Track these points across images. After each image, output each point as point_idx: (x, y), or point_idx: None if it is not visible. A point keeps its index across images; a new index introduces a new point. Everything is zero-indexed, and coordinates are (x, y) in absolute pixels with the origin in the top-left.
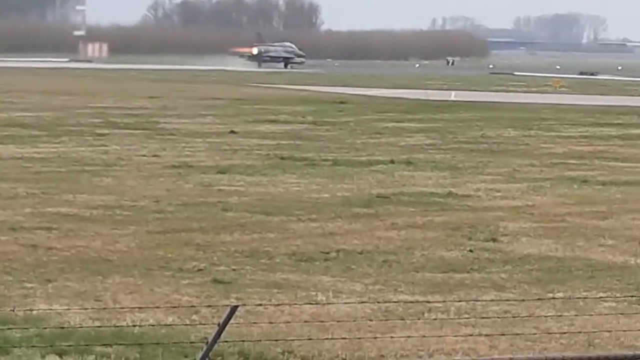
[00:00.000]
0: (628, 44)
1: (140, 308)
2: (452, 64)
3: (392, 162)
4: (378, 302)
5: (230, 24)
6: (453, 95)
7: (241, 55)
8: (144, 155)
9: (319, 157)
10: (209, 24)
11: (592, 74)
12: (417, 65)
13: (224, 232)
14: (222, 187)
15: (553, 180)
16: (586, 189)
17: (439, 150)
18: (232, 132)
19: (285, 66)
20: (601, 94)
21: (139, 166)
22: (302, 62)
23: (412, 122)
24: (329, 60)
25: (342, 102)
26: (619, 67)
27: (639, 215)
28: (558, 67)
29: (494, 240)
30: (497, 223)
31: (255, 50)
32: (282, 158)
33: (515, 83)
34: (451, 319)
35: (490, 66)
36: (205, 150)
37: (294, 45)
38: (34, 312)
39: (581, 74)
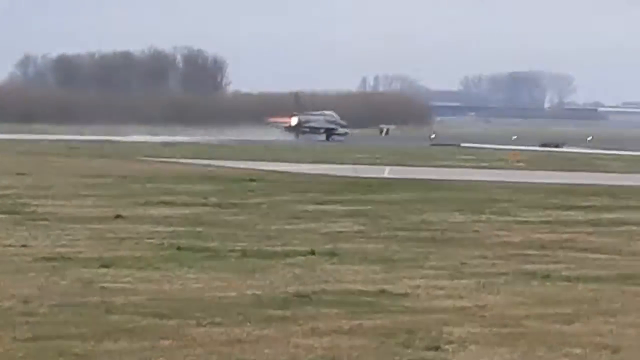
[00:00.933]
0: (600, 109)
1: None
2: (387, 133)
3: (312, 253)
4: None
5: (117, 83)
6: (387, 172)
7: (277, 126)
8: (10, 245)
9: (224, 247)
10: (90, 83)
11: (556, 146)
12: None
13: (107, 340)
14: (105, 284)
15: (508, 275)
16: (548, 286)
17: (369, 239)
18: (118, 216)
19: (327, 138)
20: (567, 170)
21: (4, 258)
22: (346, 133)
23: (337, 204)
24: (235, 128)
25: (252, 180)
26: (589, 138)
27: (612, 319)
28: (515, 137)
29: (437, 348)
30: (440, 328)
31: (294, 121)
32: (179, 248)
33: (463, 156)
34: None
35: (433, 136)
36: (86, 239)
37: (335, 114)
38: None
39: (543, 145)
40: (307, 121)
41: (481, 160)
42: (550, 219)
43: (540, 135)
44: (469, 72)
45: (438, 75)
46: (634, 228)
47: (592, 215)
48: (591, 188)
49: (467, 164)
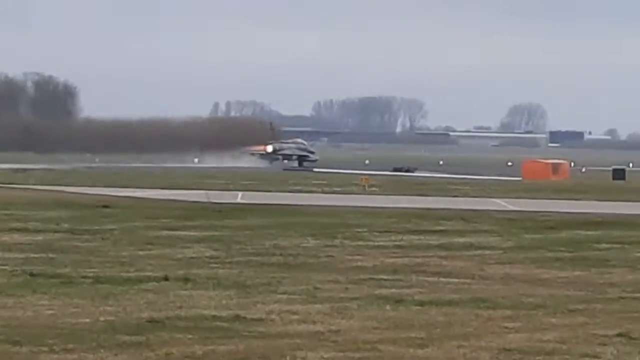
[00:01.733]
0: (451, 133)
1: None
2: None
3: (165, 278)
4: None
5: None
6: (240, 197)
7: (253, 153)
8: None
9: (76, 273)
10: None
11: (408, 170)
12: (197, 159)
13: None
14: None
15: (361, 299)
16: (401, 310)
17: (223, 264)
18: None
19: (300, 164)
20: (419, 195)
21: None
22: (316, 160)
23: (190, 230)
24: (88, 154)
25: (105, 206)
26: (441, 162)
27: (465, 342)
28: (367, 161)
29: None
30: (293, 353)
31: (269, 148)
32: (31, 275)
33: (316, 181)
34: None
35: (286, 161)
36: None
37: (305, 142)
38: None
39: (395, 170)
40: (281, 149)
41: (334, 185)
42: (403, 243)
43: (393, 159)
44: (321, 97)
45: (290, 101)
46: (486, 252)
47: (444, 240)
48: (443, 212)
49: (320, 189)
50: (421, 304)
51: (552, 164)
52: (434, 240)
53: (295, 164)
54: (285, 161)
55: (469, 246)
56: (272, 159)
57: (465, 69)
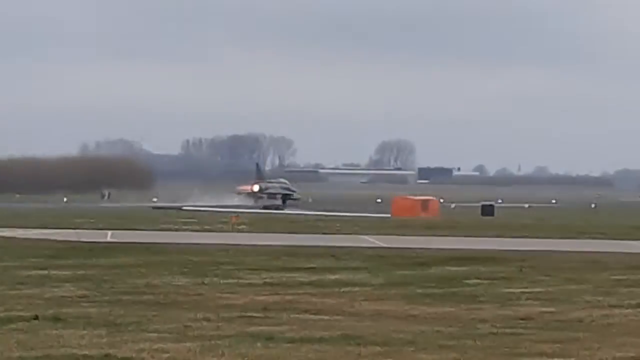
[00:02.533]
0: (320, 170)
1: None
2: (108, 197)
3: (35, 318)
4: None
5: None
6: (109, 236)
7: (240, 192)
8: None
9: None
10: None
11: (277, 208)
12: (65, 199)
13: None
14: None
15: (232, 337)
16: (272, 347)
17: (93, 303)
18: None
19: (283, 202)
20: (289, 232)
21: None
22: (298, 199)
23: (60, 269)
24: None
25: None
26: (310, 199)
27: None
28: (236, 198)
29: None
30: None
31: (256, 188)
32: None
33: (186, 220)
34: None
35: (155, 199)
36: None
37: (287, 181)
38: None
39: (265, 208)
40: (267, 188)
41: (203, 223)
42: (273, 280)
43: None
44: (190, 136)
45: (161, 140)
46: (356, 289)
47: (314, 277)
48: (313, 249)
49: (190, 227)
50: (292, 341)
51: (422, 200)
52: (304, 277)
53: (279, 202)
54: (270, 200)
55: (340, 283)
56: (257, 198)
57: (335, 107)
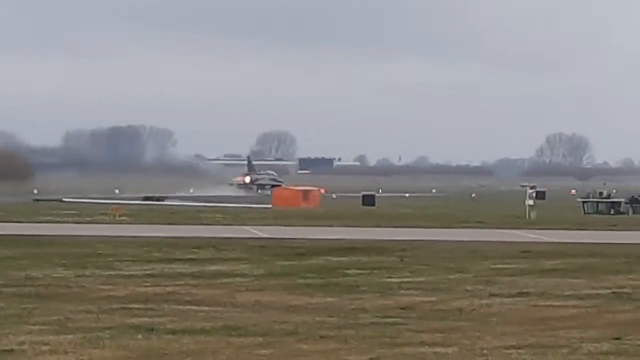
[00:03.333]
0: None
1: None
2: None
3: None
4: None
5: None
6: None
7: (232, 183)
8: None
9: None
10: None
11: (159, 199)
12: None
13: None
14: None
15: (113, 329)
16: (153, 339)
17: None
18: None
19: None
20: (170, 223)
21: None
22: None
23: None
24: None
25: None
26: (191, 190)
27: None
28: (117, 190)
29: None
30: None
31: (247, 179)
32: None
33: (66, 212)
34: None
35: (35, 191)
36: None
37: (275, 173)
38: None
39: (146, 198)
40: (257, 179)
41: (84, 215)
42: (154, 272)
43: (143, 188)
44: (70, 127)
45: (40, 131)
46: (237, 280)
47: (195, 268)
48: (194, 241)
49: (70, 219)
50: (173, 332)
51: (302, 190)
52: (185, 268)
53: (269, 192)
54: (259, 190)
55: (220, 274)
56: (248, 189)
57: (216, 97)
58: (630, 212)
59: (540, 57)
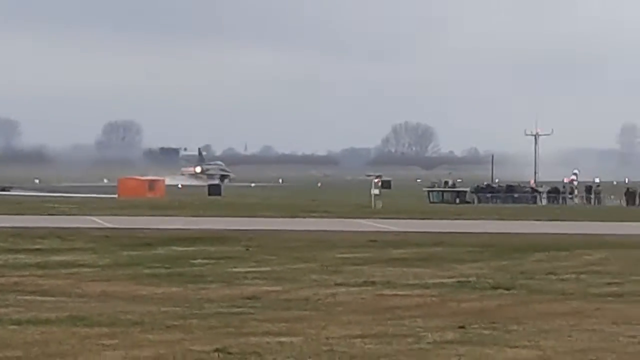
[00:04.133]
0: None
1: None
2: None
3: None
4: None
5: None
6: None
7: (183, 173)
8: None
9: None
10: None
11: (4, 189)
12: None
13: None
14: None
15: None
16: None
17: None
18: None
19: (222, 181)
20: (16, 214)
21: None
22: (234, 178)
23: None
24: None
25: None
26: (37, 180)
27: None
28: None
29: None
30: None
31: (198, 169)
32: None
33: None
34: None
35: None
36: None
37: (223, 163)
38: None
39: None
40: (207, 170)
41: None
42: None
43: None
44: None
45: None
46: (83, 270)
47: (40, 258)
48: (39, 231)
49: None
50: (18, 322)
51: (148, 180)
52: (30, 259)
53: (217, 181)
54: (210, 179)
55: (66, 264)
56: (198, 178)
57: (62, 87)
58: (476, 201)
59: (387, 47)
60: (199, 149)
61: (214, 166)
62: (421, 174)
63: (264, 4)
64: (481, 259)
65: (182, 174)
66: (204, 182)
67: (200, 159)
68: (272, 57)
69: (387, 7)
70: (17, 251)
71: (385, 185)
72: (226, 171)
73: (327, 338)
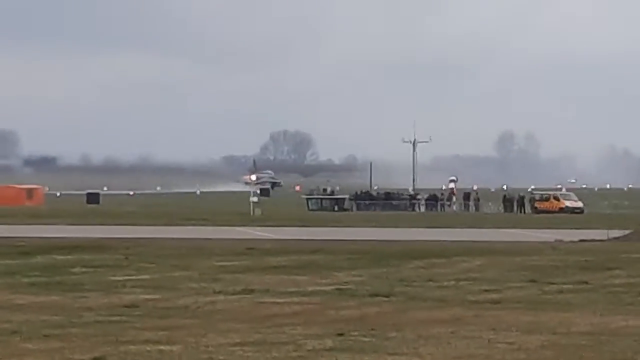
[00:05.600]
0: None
1: None
2: None
3: None
4: None
5: None
6: None
7: (239, 180)
8: None
9: None
10: None
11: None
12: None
13: None
14: None
15: None
16: None
17: None
18: None
19: (272, 188)
20: None
21: None
22: (281, 185)
23: None
24: None
25: None
26: None
27: None
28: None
29: None
30: None
31: (253, 177)
32: None
33: None
34: None
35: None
36: None
37: (272, 172)
38: None
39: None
40: (261, 178)
41: None
42: None
43: None
44: None
45: None
46: None
47: None
48: None
49: None
50: None
51: (26, 189)
52: None
53: (268, 186)
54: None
55: None
56: (254, 185)
57: None
58: (354, 208)
59: (262, 55)
60: (254, 159)
61: (265, 175)
62: (300, 181)
63: (137, 11)
64: (360, 267)
65: (238, 181)
66: (257, 189)
67: (255, 168)
68: (148, 64)
69: (261, 13)
70: None
71: (264, 192)
72: (275, 179)
73: (207, 346)
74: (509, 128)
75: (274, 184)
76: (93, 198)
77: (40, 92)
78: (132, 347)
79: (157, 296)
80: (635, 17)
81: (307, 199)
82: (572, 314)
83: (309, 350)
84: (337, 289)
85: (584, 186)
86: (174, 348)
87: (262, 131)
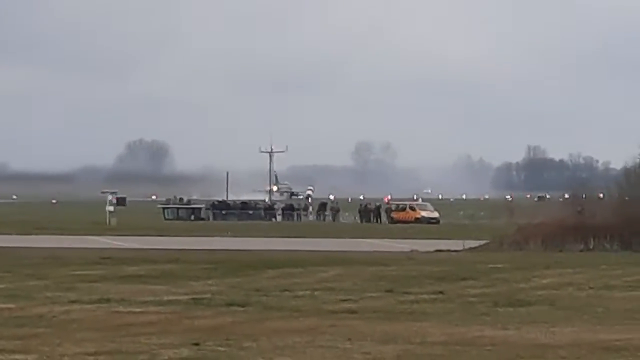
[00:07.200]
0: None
1: None
2: None
3: None
4: None
5: None
6: None
7: (260, 190)
8: None
9: None
10: None
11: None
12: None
13: None
14: None
15: None
16: None
17: None
18: None
19: (290, 197)
20: None
21: None
22: (297, 194)
23: None
24: None
25: None
26: None
27: None
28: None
29: None
30: None
31: (275, 187)
32: None
33: None
34: None
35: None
36: None
37: (290, 184)
38: None
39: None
40: (280, 188)
41: None
42: None
43: None
44: None
45: None
46: None
47: None
48: None
49: None
50: None
51: None
52: None
53: (286, 197)
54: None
55: None
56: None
57: None
58: (211, 217)
59: (117, 64)
60: (275, 172)
61: (284, 186)
62: (157, 190)
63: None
64: (215, 276)
65: (259, 191)
66: (278, 199)
67: (276, 180)
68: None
69: (116, 23)
70: None
71: (121, 202)
72: (292, 190)
73: (62, 355)
74: (365, 138)
75: (292, 194)
76: None
77: None
78: None
79: (11, 305)
80: (489, 31)
81: (164, 208)
82: (427, 323)
83: None
84: (193, 299)
85: (440, 196)
86: (29, 357)
87: (118, 141)
